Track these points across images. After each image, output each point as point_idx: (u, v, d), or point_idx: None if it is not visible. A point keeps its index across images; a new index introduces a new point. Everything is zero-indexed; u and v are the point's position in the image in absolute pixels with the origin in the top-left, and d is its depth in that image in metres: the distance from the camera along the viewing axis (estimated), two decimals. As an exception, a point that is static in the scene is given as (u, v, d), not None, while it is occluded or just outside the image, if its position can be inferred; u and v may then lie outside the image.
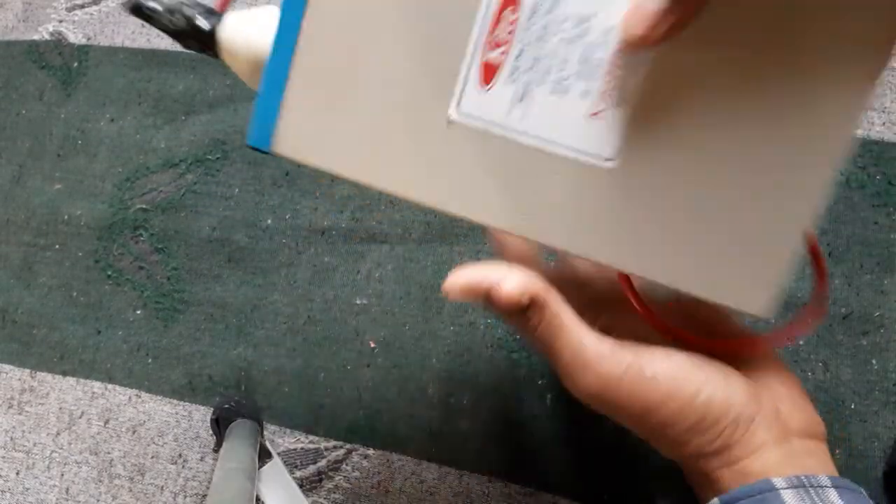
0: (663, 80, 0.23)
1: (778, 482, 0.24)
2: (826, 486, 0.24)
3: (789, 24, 0.21)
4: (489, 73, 0.23)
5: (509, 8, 0.23)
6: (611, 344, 0.25)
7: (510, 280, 0.24)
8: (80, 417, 0.56)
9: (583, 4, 0.22)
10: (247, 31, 0.25)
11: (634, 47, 0.22)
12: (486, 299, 0.24)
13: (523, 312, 0.24)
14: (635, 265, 0.24)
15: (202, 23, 0.26)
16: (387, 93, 0.24)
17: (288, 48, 0.24)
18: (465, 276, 0.25)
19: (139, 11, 0.27)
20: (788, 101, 0.22)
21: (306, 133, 0.25)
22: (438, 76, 0.24)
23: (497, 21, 0.23)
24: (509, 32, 0.23)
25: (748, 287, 0.24)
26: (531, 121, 0.23)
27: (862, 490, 0.25)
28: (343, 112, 0.24)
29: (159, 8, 0.26)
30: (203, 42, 0.27)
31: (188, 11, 0.26)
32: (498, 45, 0.23)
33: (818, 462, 0.25)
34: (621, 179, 0.23)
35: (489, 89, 0.23)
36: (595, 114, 0.23)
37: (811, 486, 0.24)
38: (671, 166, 0.23)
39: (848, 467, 0.44)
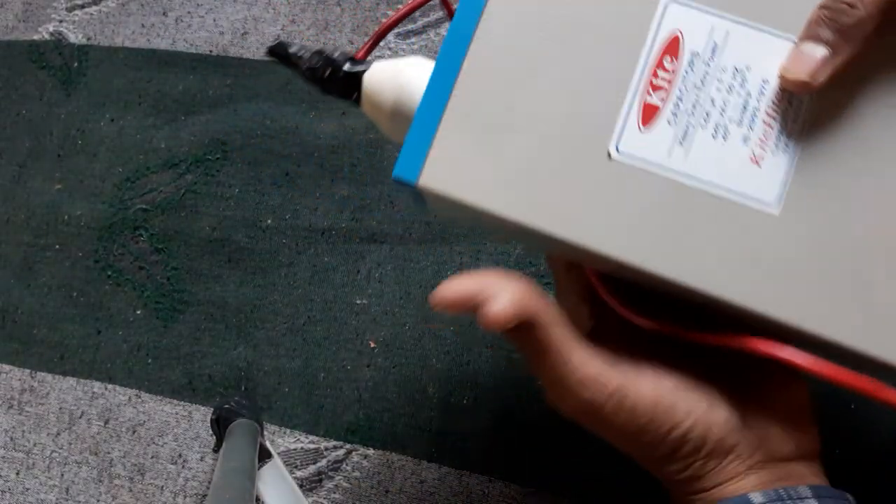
0: (823, 127, 0.23)
1: (755, 497, 0.24)
2: (806, 497, 0.24)
3: None
4: (649, 114, 0.24)
5: (668, 56, 0.24)
6: (600, 364, 0.24)
7: (502, 299, 0.23)
8: (80, 417, 0.56)
9: (740, 56, 0.23)
10: (395, 80, 0.26)
11: (796, 92, 0.23)
12: (477, 312, 0.24)
13: (513, 329, 0.24)
14: (798, 316, 0.24)
15: (348, 69, 0.26)
16: (544, 131, 0.24)
17: (446, 86, 0.25)
18: (454, 289, 0.24)
19: (281, 56, 0.27)
20: None
21: (457, 166, 0.25)
22: (597, 117, 0.24)
23: (657, 67, 0.24)
24: (669, 80, 0.24)
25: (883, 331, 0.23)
26: (691, 163, 0.24)
27: (848, 496, 0.25)
28: (497, 147, 0.25)
29: (304, 54, 0.27)
30: (346, 89, 0.27)
31: (336, 57, 0.26)
32: (657, 89, 0.24)
33: (801, 479, 0.25)
34: (785, 226, 0.23)
35: (649, 130, 0.24)
36: (755, 159, 0.23)
37: (790, 498, 0.24)
38: (837, 214, 0.23)
39: (849, 467, 0.44)
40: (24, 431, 0.57)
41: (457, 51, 0.25)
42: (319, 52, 0.27)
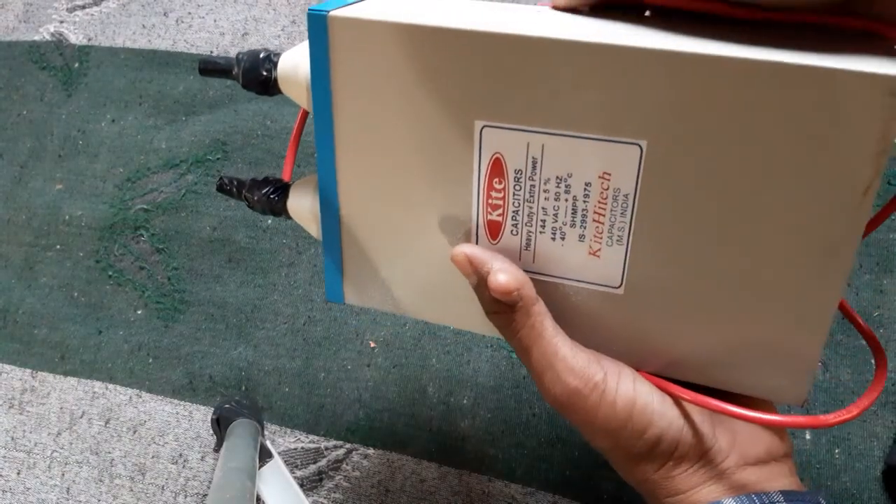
0: (650, 219, 0.25)
1: (728, 502, 0.25)
2: (778, 502, 0.25)
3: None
4: (494, 229, 0.27)
5: (495, 179, 0.26)
6: (585, 358, 0.26)
7: (509, 273, 0.25)
8: (81, 417, 0.56)
9: (560, 165, 0.25)
10: (305, 202, 0.31)
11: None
12: (481, 281, 0.26)
13: (509, 310, 0.25)
14: (666, 368, 0.27)
15: (273, 199, 0.32)
16: (419, 252, 0.29)
17: (334, 222, 0.30)
18: (473, 250, 0.26)
19: (223, 189, 0.33)
20: (778, 207, 0.23)
21: (365, 288, 0.31)
22: (456, 234, 0.28)
23: (489, 189, 0.26)
24: (502, 198, 0.26)
25: (782, 379, 0.25)
26: (541, 263, 0.27)
27: (821, 499, 0.25)
28: (386, 266, 0.30)
29: (237, 188, 0.33)
30: (276, 212, 0.32)
31: (262, 189, 0.32)
32: (496, 207, 0.26)
33: (773, 483, 0.26)
34: (633, 300, 0.26)
35: (498, 242, 0.27)
36: (593, 253, 0.26)
37: (762, 503, 0.24)
38: (676, 284, 0.25)
39: (847, 467, 0.44)
40: (25, 431, 0.57)
41: (331, 198, 0.29)
42: (251, 184, 0.33)
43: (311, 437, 0.52)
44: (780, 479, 0.26)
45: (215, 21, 0.65)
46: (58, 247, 0.62)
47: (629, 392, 0.25)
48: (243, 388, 0.54)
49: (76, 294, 0.60)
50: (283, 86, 0.30)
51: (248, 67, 0.30)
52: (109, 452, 0.55)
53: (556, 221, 0.26)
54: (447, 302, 0.29)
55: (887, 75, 0.20)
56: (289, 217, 0.32)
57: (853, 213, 0.22)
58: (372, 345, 0.53)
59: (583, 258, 0.26)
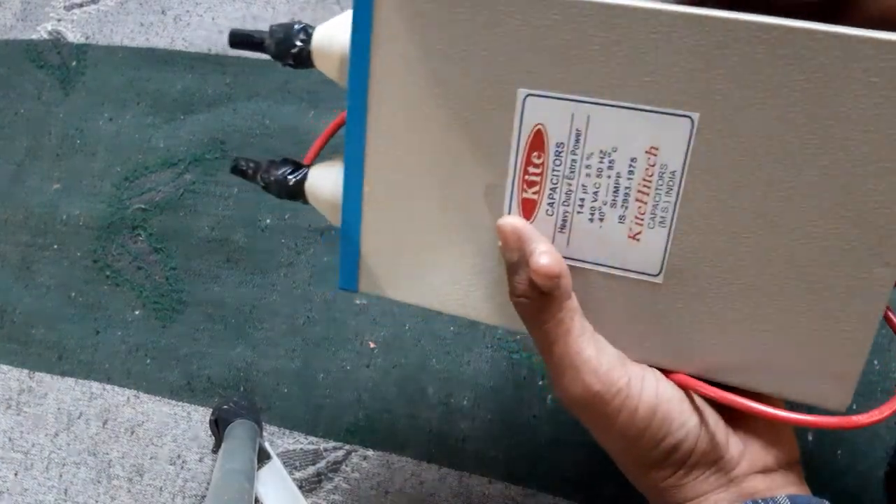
0: (696, 201, 0.23)
1: None
2: None
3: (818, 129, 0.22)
4: (529, 208, 0.25)
5: (535, 153, 0.25)
6: (610, 361, 0.25)
7: (554, 257, 0.24)
8: (79, 418, 0.56)
9: (605, 138, 0.24)
10: (326, 184, 0.30)
11: None
12: (522, 260, 0.24)
13: (541, 299, 0.24)
14: (702, 369, 0.25)
15: (291, 179, 0.31)
16: (444, 235, 0.27)
17: (356, 205, 0.28)
18: (523, 224, 0.25)
19: (238, 170, 0.32)
20: (828, 196, 0.22)
21: (382, 275, 0.29)
22: (486, 218, 0.26)
23: (527, 164, 0.25)
24: (540, 174, 0.25)
25: (825, 382, 0.25)
26: (574, 247, 0.25)
27: (826, 502, 0.25)
28: (408, 252, 0.28)
29: (259, 170, 0.31)
30: (293, 194, 0.31)
31: (280, 170, 0.31)
32: (532, 185, 0.25)
33: (781, 490, 0.26)
34: (672, 291, 0.25)
35: (532, 222, 0.26)
36: (633, 236, 0.24)
37: None
38: (719, 275, 0.24)
39: (850, 468, 0.44)
40: (22, 432, 0.57)
41: (356, 179, 0.28)
42: (269, 165, 0.32)
43: (310, 438, 0.51)
44: (788, 486, 0.26)
45: (214, 19, 0.65)
46: (55, 246, 0.61)
47: (652, 399, 0.24)
48: (242, 388, 0.54)
49: (73, 294, 0.60)
50: (316, 58, 0.29)
51: (282, 38, 0.30)
52: (107, 453, 0.55)
53: (596, 200, 0.24)
54: (468, 290, 0.28)
55: None
56: (305, 201, 0.31)
57: None
58: (371, 345, 0.52)
59: (622, 242, 0.25)
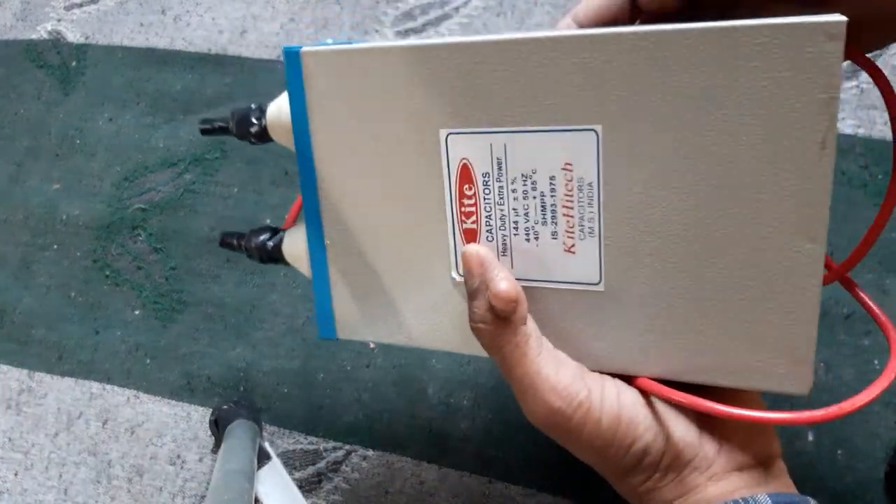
0: (617, 207, 0.25)
1: None
2: None
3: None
4: (470, 237, 0.27)
5: (465, 185, 0.26)
6: (569, 375, 0.25)
7: (512, 282, 0.25)
8: (79, 418, 0.56)
9: (524, 162, 0.25)
10: (298, 243, 0.32)
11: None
12: (482, 286, 0.26)
13: (498, 324, 0.25)
14: (662, 371, 0.26)
15: (269, 244, 0.33)
16: (403, 277, 0.29)
17: (321, 260, 0.31)
18: (486, 251, 0.26)
19: (225, 243, 0.35)
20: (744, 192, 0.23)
21: (355, 320, 0.31)
22: (435, 255, 0.28)
23: (461, 196, 0.27)
24: (472, 204, 0.27)
25: (783, 368, 0.25)
26: (519, 267, 0.27)
27: (810, 500, 0.25)
28: (374, 296, 0.30)
29: (237, 240, 0.35)
30: (273, 257, 0.33)
31: (259, 237, 0.34)
32: (469, 215, 0.27)
33: (761, 487, 0.26)
34: (615, 298, 0.26)
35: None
36: (569, 249, 0.26)
37: None
38: (655, 276, 0.25)
39: (849, 468, 0.44)
40: (22, 432, 0.57)
41: (317, 236, 0.30)
42: (249, 234, 0.34)
43: (310, 438, 0.51)
44: (769, 482, 0.26)
45: (213, 19, 0.65)
46: (55, 246, 0.61)
47: (613, 408, 0.25)
48: (241, 388, 0.54)
49: (73, 294, 0.60)
50: (272, 132, 0.32)
51: (239, 120, 0.32)
52: (107, 453, 0.54)
53: (528, 221, 0.26)
54: (434, 324, 0.29)
55: (824, 21, 0.20)
56: (287, 263, 0.33)
57: (816, 171, 0.22)
58: (371, 345, 0.52)
59: (559, 256, 0.26)
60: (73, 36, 0.68)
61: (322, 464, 0.51)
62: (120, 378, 0.56)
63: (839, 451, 0.44)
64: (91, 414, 0.56)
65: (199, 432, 0.53)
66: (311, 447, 0.51)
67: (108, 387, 0.56)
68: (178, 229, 0.59)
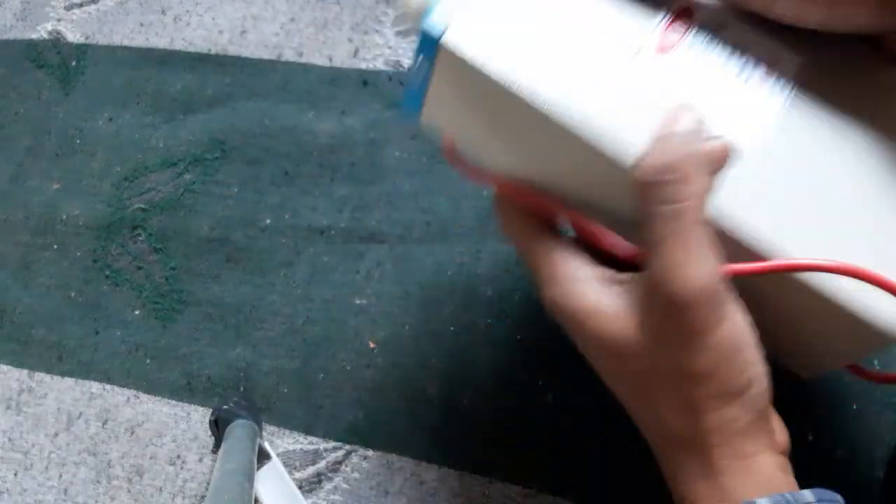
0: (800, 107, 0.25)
1: (762, 502, 0.23)
2: (810, 502, 0.24)
3: None
4: (667, 46, 0.26)
5: (681, 21, 0.26)
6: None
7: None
8: (79, 418, 0.56)
9: (737, 41, 0.26)
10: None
11: None
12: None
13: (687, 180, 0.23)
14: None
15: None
16: (575, 18, 0.26)
17: None
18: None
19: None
20: None
21: (485, 28, 0.25)
22: (626, 26, 0.26)
23: (673, 21, 0.26)
24: (682, 29, 0.26)
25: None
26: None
27: (838, 496, 0.25)
28: (524, 18, 0.25)
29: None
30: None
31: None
32: (673, 31, 0.26)
33: (790, 475, 0.25)
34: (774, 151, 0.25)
35: (665, 55, 0.25)
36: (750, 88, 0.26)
37: (796, 502, 0.24)
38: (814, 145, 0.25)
39: (849, 468, 0.44)
40: (22, 432, 0.57)
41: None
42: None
43: (310, 438, 0.51)
44: (789, 472, 0.26)
45: (213, 19, 0.65)
46: (55, 246, 0.61)
47: (744, 320, 0.24)
48: (241, 388, 0.54)
49: (73, 294, 0.60)
50: None
51: None
52: (107, 453, 0.55)
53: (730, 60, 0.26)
54: (572, 79, 0.25)
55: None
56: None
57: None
58: (371, 345, 0.52)
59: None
60: (73, 36, 0.68)
61: (322, 464, 0.51)
62: (120, 378, 0.56)
63: (839, 451, 0.44)
64: (91, 414, 0.56)
65: (199, 432, 0.53)
66: (311, 447, 0.51)
67: (108, 387, 0.56)
68: (178, 229, 0.59)
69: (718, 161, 0.23)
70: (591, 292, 0.25)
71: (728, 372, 0.23)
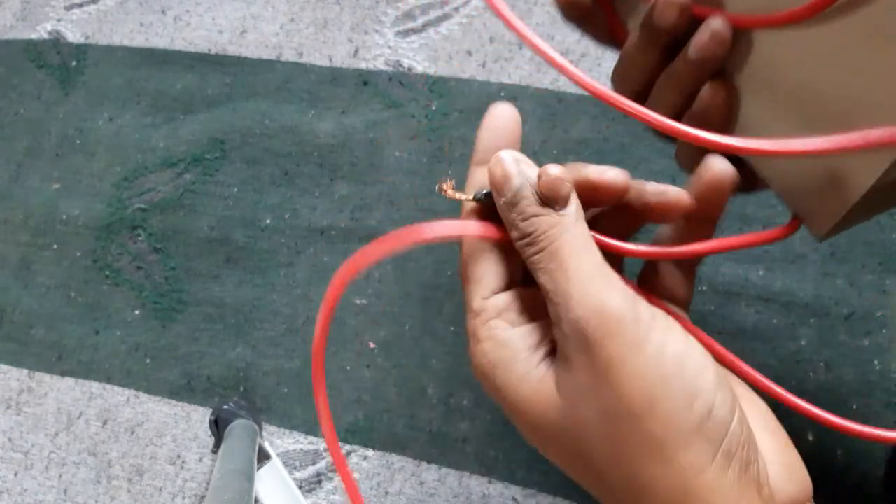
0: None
1: None
2: None
3: None
4: None
5: None
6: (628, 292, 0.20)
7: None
8: (79, 418, 0.56)
9: None
10: None
11: None
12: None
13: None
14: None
15: None
16: None
17: None
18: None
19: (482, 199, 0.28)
20: None
21: None
22: None
23: None
24: None
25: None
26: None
27: None
28: None
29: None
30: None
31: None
32: None
33: None
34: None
35: None
36: None
37: None
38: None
39: (849, 468, 0.44)
40: (22, 432, 0.57)
41: None
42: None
43: (310, 438, 0.51)
44: None
45: (213, 19, 0.65)
46: (55, 246, 0.61)
47: (681, 341, 0.19)
48: (241, 388, 0.54)
49: (73, 294, 0.60)
50: None
51: None
52: (107, 453, 0.54)
53: None
54: None
55: None
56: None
57: None
58: (371, 345, 0.52)
59: None
60: (73, 36, 0.68)
61: (322, 464, 0.51)
62: (120, 378, 0.56)
63: (839, 451, 0.44)
64: (91, 414, 0.56)
65: (199, 432, 0.53)
66: (311, 447, 0.51)
67: (108, 387, 0.56)
68: (177, 229, 0.59)
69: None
70: (518, 366, 0.21)
71: (669, 407, 0.18)
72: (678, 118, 0.25)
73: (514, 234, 0.21)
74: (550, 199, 0.21)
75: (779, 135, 0.22)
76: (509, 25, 0.21)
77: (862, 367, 0.45)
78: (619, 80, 0.26)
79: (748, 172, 0.24)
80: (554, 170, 0.20)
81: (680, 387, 0.18)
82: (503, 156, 0.21)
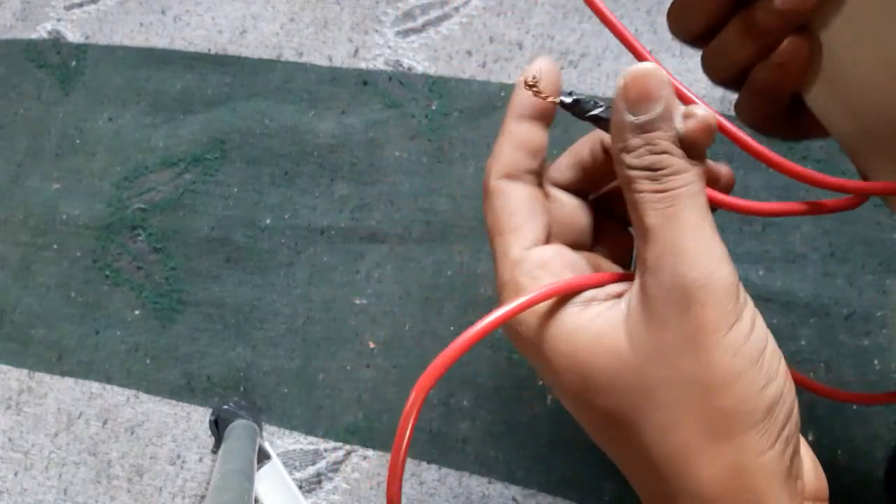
0: None
1: None
2: None
3: None
4: None
5: None
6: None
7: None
8: (79, 418, 0.56)
9: None
10: None
11: None
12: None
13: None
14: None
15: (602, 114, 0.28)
16: None
17: None
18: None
19: (567, 105, 0.28)
20: None
21: None
22: None
23: None
24: None
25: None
26: None
27: None
28: None
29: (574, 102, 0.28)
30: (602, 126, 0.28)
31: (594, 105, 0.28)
32: None
33: None
34: None
35: None
36: None
37: None
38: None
39: (850, 468, 0.44)
40: (22, 432, 0.57)
41: None
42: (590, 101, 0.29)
43: (310, 438, 0.51)
44: None
45: (213, 19, 0.65)
46: (55, 246, 0.61)
47: (764, 330, 0.19)
48: (241, 388, 0.54)
49: (73, 294, 0.60)
50: None
51: None
52: (107, 453, 0.54)
53: None
54: None
55: None
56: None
57: None
58: (371, 345, 0.52)
59: None
60: (73, 36, 0.68)
61: (322, 464, 0.51)
62: (120, 378, 0.56)
63: (839, 451, 0.44)
64: (91, 414, 0.56)
65: (199, 432, 0.53)
66: (311, 447, 0.51)
67: (108, 387, 0.56)
68: (177, 229, 0.59)
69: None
70: (570, 318, 0.20)
71: (747, 385, 0.18)
72: (748, 68, 0.24)
73: (634, 161, 0.19)
74: (694, 146, 0.19)
75: (860, 91, 0.21)
76: (607, 24, 0.19)
77: (862, 367, 0.45)
78: (676, 17, 0.24)
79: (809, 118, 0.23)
80: (709, 116, 0.19)
81: (760, 368, 0.18)
82: (651, 70, 0.19)
